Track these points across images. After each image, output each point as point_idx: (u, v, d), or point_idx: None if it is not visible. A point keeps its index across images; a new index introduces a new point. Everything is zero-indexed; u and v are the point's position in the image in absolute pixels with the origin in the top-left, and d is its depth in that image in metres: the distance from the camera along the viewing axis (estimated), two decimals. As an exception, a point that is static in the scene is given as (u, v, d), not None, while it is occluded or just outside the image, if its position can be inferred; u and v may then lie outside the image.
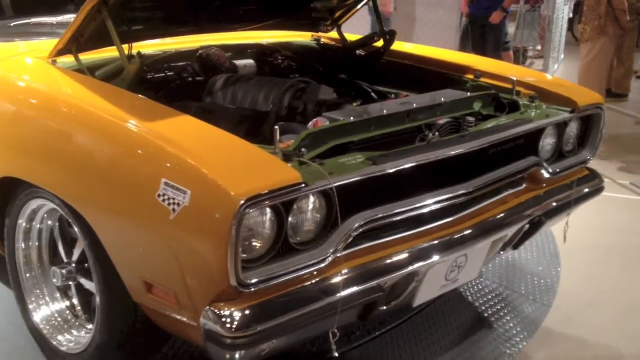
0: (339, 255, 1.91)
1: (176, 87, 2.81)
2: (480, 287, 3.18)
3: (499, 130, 2.38)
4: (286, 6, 3.06)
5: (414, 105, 2.33)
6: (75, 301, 2.45)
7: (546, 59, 8.22)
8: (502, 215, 2.37)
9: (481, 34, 7.20)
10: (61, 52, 2.44)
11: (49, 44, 2.49)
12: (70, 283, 2.41)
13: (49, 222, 2.43)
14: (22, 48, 2.83)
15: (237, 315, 1.72)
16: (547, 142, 2.64)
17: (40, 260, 2.49)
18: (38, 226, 2.44)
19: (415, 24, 8.44)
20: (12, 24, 3.10)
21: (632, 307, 3.08)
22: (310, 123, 2.26)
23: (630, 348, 2.77)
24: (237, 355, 1.79)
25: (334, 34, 3.42)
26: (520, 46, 8.55)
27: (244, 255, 1.74)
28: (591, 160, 2.80)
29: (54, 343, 2.42)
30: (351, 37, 3.37)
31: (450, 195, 2.20)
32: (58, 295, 2.49)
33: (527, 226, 2.53)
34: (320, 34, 3.48)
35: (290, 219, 1.82)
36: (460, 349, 2.70)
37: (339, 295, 1.86)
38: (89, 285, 2.28)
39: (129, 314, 2.09)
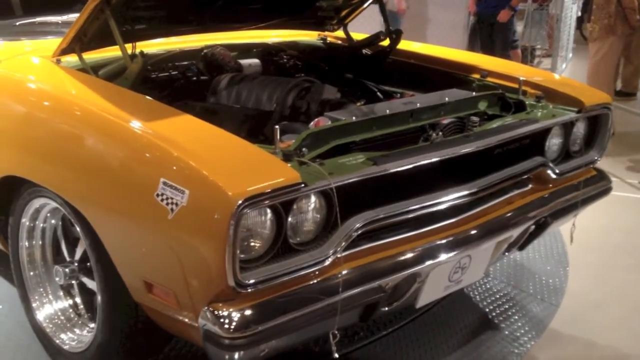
0: (339, 255, 1.90)
1: (180, 86, 2.80)
2: (488, 287, 3.17)
3: (504, 130, 2.36)
4: (291, 5, 3.05)
5: (418, 104, 2.31)
6: (78, 300, 2.46)
7: (554, 57, 8.17)
8: (506, 215, 2.35)
9: (489, 33, 7.18)
10: (65, 51, 2.45)
11: (55, 42, 2.49)
12: (73, 282, 2.41)
13: (52, 221, 2.44)
14: (28, 47, 2.84)
15: (236, 315, 1.71)
16: (554, 142, 2.62)
17: (43, 259, 2.50)
18: (41, 225, 2.45)
19: (424, 23, 8.42)
20: (17, 23, 3.11)
21: (639, 307, 3.06)
22: (312, 123, 2.25)
23: (638, 348, 2.75)
24: (236, 356, 1.78)
25: (340, 33, 3.40)
26: (528, 45, 8.50)
27: (242, 256, 1.73)
28: (599, 161, 2.77)
29: (57, 341, 2.43)
30: (358, 36, 3.35)
31: (454, 196, 2.18)
32: (61, 293, 2.50)
33: (533, 227, 2.50)
34: (326, 33, 3.46)
35: (289, 219, 1.81)
36: (467, 349, 2.69)
37: (338, 296, 1.85)
38: (91, 284, 2.28)
39: (130, 313, 2.09)
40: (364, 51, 3.26)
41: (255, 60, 3.14)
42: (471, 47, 7.51)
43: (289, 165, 1.83)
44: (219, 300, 1.74)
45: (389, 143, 2.21)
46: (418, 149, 2.12)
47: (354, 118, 2.14)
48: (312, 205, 1.87)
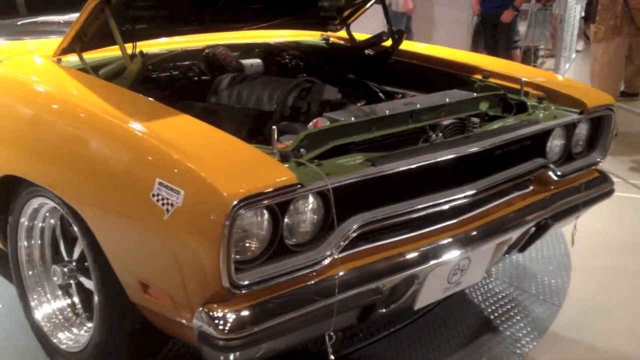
0: (336, 257, 1.89)
1: (181, 86, 2.80)
2: (490, 287, 3.16)
3: (504, 131, 2.35)
4: (293, 5, 3.04)
5: (417, 105, 2.30)
6: (76, 299, 2.46)
7: (557, 58, 8.13)
8: (506, 217, 2.33)
9: (492, 33, 7.17)
10: (65, 51, 2.45)
11: (58, 42, 2.49)
12: (71, 281, 2.41)
13: (51, 221, 2.44)
14: (31, 46, 2.84)
15: (231, 316, 1.70)
16: (555, 144, 2.60)
17: (42, 258, 2.50)
18: (40, 224, 2.45)
19: (428, 22, 8.41)
20: (19, 22, 3.11)
21: (643, 310, 3.05)
22: (311, 123, 2.24)
23: (640, 350, 2.74)
24: (231, 357, 1.77)
25: (343, 33, 3.39)
26: (532, 45, 8.46)
27: (238, 257, 1.73)
28: (601, 163, 2.75)
29: (54, 341, 2.43)
30: (361, 36, 3.34)
31: (453, 197, 2.17)
32: (59, 293, 2.50)
33: (533, 229, 2.49)
34: (329, 33, 3.45)
35: (286, 220, 1.80)
36: (469, 349, 2.69)
37: (335, 297, 1.83)
38: (89, 283, 2.28)
39: (127, 313, 2.08)
40: (366, 52, 3.25)
41: (257, 61, 3.13)
42: (474, 47, 7.50)
43: (285, 166, 1.82)
44: (214, 301, 1.73)
45: (388, 144, 2.20)
46: (417, 150, 2.11)
47: (352, 119, 2.13)
48: (309, 206, 1.86)
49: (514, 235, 2.40)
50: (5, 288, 2.92)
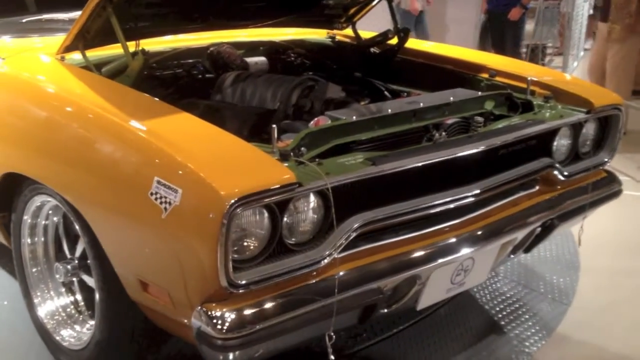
0: (336, 256, 1.88)
1: (185, 84, 2.80)
2: (498, 286, 3.15)
3: (508, 130, 2.32)
4: (298, 3, 3.03)
5: (421, 104, 2.28)
6: (79, 297, 2.46)
7: (565, 56, 8.10)
8: (511, 217, 2.31)
9: (500, 31, 7.14)
10: (68, 49, 2.45)
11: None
12: (74, 279, 2.41)
13: (54, 219, 2.44)
14: (38, 44, 2.84)
15: (229, 316, 1.70)
16: (562, 143, 2.57)
17: (46, 256, 2.51)
18: (43, 222, 2.45)
19: (438, 21, 8.37)
20: (24, 20, 3.11)
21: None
22: (312, 122, 2.23)
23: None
24: (230, 356, 1.76)
25: (349, 31, 3.37)
26: (539, 43, 8.41)
27: (236, 256, 1.72)
28: (609, 163, 2.72)
29: (57, 338, 2.43)
30: (368, 34, 3.32)
31: (456, 197, 2.15)
32: (63, 290, 2.50)
33: (539, 229, 2.46)
34: (334, 31, 3.43)
35: (285, 219, 1.79)
36: (477, 347, 2.68)
37: (334, 297, 1.82)
38: (91, 281, 2.28)
39: (128, 311, 2.08)
40: (372, 50, 3.23)
41: (262, 58, 3.13)
42: (482, 45, 7.47)
43: (285, 165, 1.81)
44: (212, 301, 1.72)
45: (391, 143, 2.19)
46: (418, 150, 2.09)
47: (354, 117, 2.12)
48: (309, 206, 1.85)
49: (519, 235, 2.38)
50: (10, 285, 2.93)
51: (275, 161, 1.80)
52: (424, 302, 2.21)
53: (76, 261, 2.35)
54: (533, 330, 2.80)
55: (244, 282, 1.70)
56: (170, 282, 1.81)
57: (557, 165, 2.50)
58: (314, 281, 1.83)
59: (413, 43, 3.21)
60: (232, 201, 1.62)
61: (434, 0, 8.19)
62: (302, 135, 1.95)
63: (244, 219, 1.72)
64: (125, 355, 2.23)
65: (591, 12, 9.28)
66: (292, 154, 1.88)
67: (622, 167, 2.96)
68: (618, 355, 2.69)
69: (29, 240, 2.48)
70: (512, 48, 6.93)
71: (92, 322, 2.34)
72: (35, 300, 2.50)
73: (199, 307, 1.72)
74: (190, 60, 2.92)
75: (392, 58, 3.15)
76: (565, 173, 2.52)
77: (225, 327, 1.68)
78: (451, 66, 3.02)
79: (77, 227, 2.15)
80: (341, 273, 1.87)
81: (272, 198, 1.70)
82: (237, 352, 1.76)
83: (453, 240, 2.13)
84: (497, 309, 2.96)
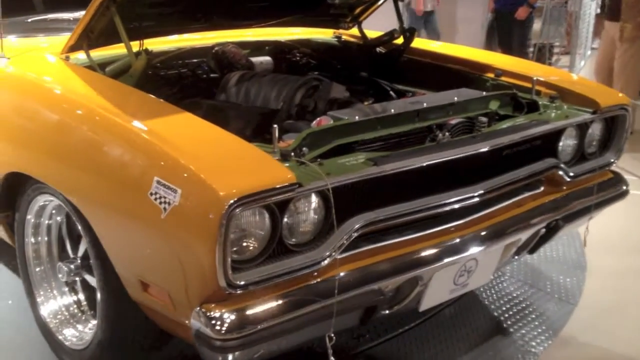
0: (337, 257, 1.87)
1: (190, 84, 2.80)
2: (505, 285, 3.15)
3: (512, 131, 2.31)
4: (302, 2, 3.02)
5: (424, 104, 2.27)
6: (82, 296, 2.46)
7: (572, 55, 8.07)
8: (514, 218, 2.30)
9: (507, 30, 7.12)
10: (73, 48, 2.45)
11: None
12: (76, 279, 2.41)
13: (58, 218, 2.44)
14: (44, 43, 2.85)
15: (228, 316, 1.69)
16: (567, 144, 2.55)
17: (49, 255, 2.51)
18: (47, 222, 2.45)
19: (446, 20, 8.35)
20: (29, 20, 3.12)
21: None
22: (314, 122, 2.22)
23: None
24: (229, 357, 1.76)
25: (356, 31, 3.36)
26: (546, 42, 8.38)
27: (236, 256, 1.71)
28: (615, 163, 2.69)
29: (60, 337, 2.44)
30: (375, 34, 3.31)
31: (459, 198, 2.14)
32: (66, 289, 2.50)
33: (543, 230, 2.44)
34: (341, 30, 3.42)
35: (285, 220, 1.79)
36: (484, 347, 2.68)
37: (334, 298, 1.81)
38: (93, 281, 2.27)
39: (129, 312, 2.08)
40: (377, 49, 3.22)
41: (267, 58, 3.12)
42: (488, 44, 7.44)
43: (286, 165, 1.80)
44: (211, 301, 1.72)
45: (394, 143, 2.18)
46: (421, 150, 2.07)
47: (356, 117, 2.11)
48: (310, 206, 1.84)
49: (523, 236, 2.36)
50: (15, 284, 2.94)
51: (275, 161, 1.80)
52: (426, 304, 2.20)
53: (79, 261, 2.35)
54: (539, 330, 2.79)
55: (242, 282, 1.69)
56: (170, 283, 1.81)
57: (562, 165, 2.48)
58: (314, 282, 1.83)
59: (419, 43, 3.19)
60: (231, 201, 1.61)
61: (443, 0, 8.18)
62: (303, 135, 1.95)
63: (244, 220, 1.71)
64: (126, 355, 2.23)
65: (598, 11, 9.23)
66: (293, 154, 1.87)
67: (629, 166, 2.94)
68: (624, 356, 2.68)
69: (32, 240, 2.48)
70: (519, 47, 6.91)
71: (95, 322, 2.34)
72: (38, 299, 2.51)
73: (198, 308, 1.71)
74: (195, 60, 2.92)
75: (398, 58, 3.14)
76: (571, 174, 2.50)
77: (224, 328, 1.68)
78: (457, 66, 3.01)
79: (79, 226, 2.15)
80: (342, 274, 1.87)
81: (272, 198, 1.69)
82: (236, 353, 1.75)
83: (456, 241, 2.12)
84: (504, 308, 2.95)
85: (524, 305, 2.98)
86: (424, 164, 2.01)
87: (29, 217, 2.43)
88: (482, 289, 3.06)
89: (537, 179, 2.44)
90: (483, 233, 2.17)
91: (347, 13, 3.28)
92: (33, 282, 2.53)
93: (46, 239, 2.49)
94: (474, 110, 2.40)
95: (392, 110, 2.20)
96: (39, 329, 2.56)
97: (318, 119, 2.21)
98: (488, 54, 3.38)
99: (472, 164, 2.17)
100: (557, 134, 2.48)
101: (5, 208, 2.52)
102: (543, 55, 8.02)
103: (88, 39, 2.42)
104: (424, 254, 2.04)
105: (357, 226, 1.90)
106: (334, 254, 1.85)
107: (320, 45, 3.34)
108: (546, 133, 2.40)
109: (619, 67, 5.70)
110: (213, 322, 1.68)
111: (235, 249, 1.72)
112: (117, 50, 2.55)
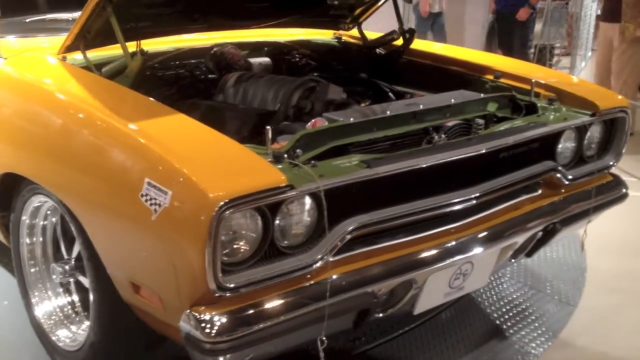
0: (330, 260, 1.85)
1: (188, 85, 2.79)
2: (505, 286, 3.14)
3: (510, 133, 2.29)
4: (302, 3, 3.01)
5: (421, 106, 2.25)
6: (76, 298, 2.46)
7: (573, 56, 8.08)
8: (510, 221, 2.28)
9: (508, 31, 7.11)
10: (69, 48, 2.45)
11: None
12: (70, 280, 2.41)
13: (53, 219, 2.44)
14: (42, 43, 2.84)
15: (218, 319, 1.68)
16: (566, 147, 2.53)
17: (44, 256, 2.50)
18: (42, 222, 2.45)
19: (451, 22, 8.33)
20: (27, 20, 3.11)
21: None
22: (309, 123, 2.21)
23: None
24: (220, 361, 1.75)
25: (356, 32, 3.34)
26: (547, 43, 8.37)
27: (226, 258, 1.70)
28: (614, 166, 2.67)
29: (53, 338, 2.43)
30: (376, 34, 3.29)
31: (454, 200, 2.12)
32: (60, 290, 2.50)
33: (540, 233, 2.42)
34: (341, 31, 3.41)
35: (277, 222, 1.77)
36: (484, 348, 2.67)
37: (325, 301, 1.80)
38: (87, 282, 2.27)
39: (121, 313, 2.07)
40: (377, 51, 3.21)
41: (266, 59, 3.11)
42: (488, 45, 7.43)
43: (278, 167, 1.79)
44: (201, 304, 1.70)
45: (390, 145, 2.16)
46: (415, 152, 2.06)
47: (351, 119, 2.09)
48: (302, 208, 1.83)
49: (520, 239, 2.34)
50: (11, 284, 2.93)
51: (267, 163, 1.78)
52: (421, 307, 2.18)
53: (73, 262, 2.34)
54: (539, 332, 2.78)
55: (232, 285, 1.68)
56: (160, 285, 1.80)
57: (560, 168, 2.46)
58: (305, 285, 1.81)
59: (419, 44, 3.18)
60: (221, 203, 1.60)
61: (449, 2, 8.16)
62: (297, 136, 1.93)
63: (234, 222, 1.70)
64: (119, 357, 2.22)
65: (599, 12, 9.22)
66: (286, 155, 1.86)
67: (628, 168, 2.91)
68: (624, 358, 2.67)
69: (27, 240, 2.48)
70: (520, 48, 6.90)
71: (88, 324, 2.34)
72: (33, 300, 2.50)
73: (188, 311, 1.70)
74: (193, 61, 2.91)
75: (398, 59, 3.13)
76: (570, 177, 2.48)
77: (214, 331, 1.67)
78: (456, 67, 2.99)
79: (72, 227, 2.15)
80: (334, 277, 1.85)
81: (263, 200, 1.68)
82: (227, 356, 1.74)
83: (451, 244, 2.10)
84: (504, 309, 2.95)
85: (523, 306, 2.97)
86: (418, 166, 1.99)
87: (24, 218, 2.43)
88: (481, 290, 3.05)
89: (535, 181, 2.42)
90: (479, 236, 2.16)
91: (347, 14, 3.26)
92: (28, 283, 2.52)
93: (41, 239, 2.48)
94: (471, 112, 2.39)
95: (388, 112, 2.19)
96: (33, 330, 2.55)
97: (313, 120, 2.20)
98: (487, 56, 3.36)
99: (469, 166, 2.15)
100: (556, 137, 2.46)
101: (1, 209, 2.52)
102: (544, 56, 8.01)
103: (85, 39, 2.41)
104: (418, 256, 2.02)
105: (350, 228, 1.88)
106: (326, 256, 1.83)
107: (320, 46, 3.33)
108: (544, 135, 2.38)
109: (618, 68, 5.69)
110: (203, 325, 1.67)
111: (226, 251, 1.71)
112: (114, 50, 2.55)
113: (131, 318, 2.05)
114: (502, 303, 2.99)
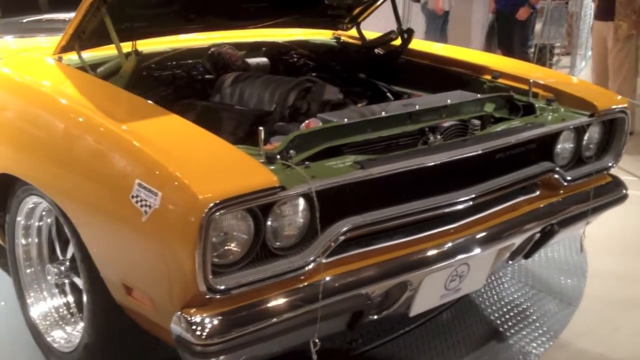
0: (323, 261, 1.84)
1: (185, 85, 2.78)
2: (506, 286, 3.13)
3: (506, 134, 2.27)
4: (299, 3, 2.99)
5: (416, 106, 2.23)
6: (71, 299, 2.45)
7: (573, 55, 8.07)
8: (507, 223, 2.26)
9: (508, 31, 7.09)
10: (65, 49, 2.44)
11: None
12: (65, 281, 2.40)
13: (48, 220, 2.43)
14: (40, 44, 2.84)
15: (208, 321, 1.67)
16: (564, 147, 2.50)
17: (40, 257, 2.50)
18: (37, 223, 2.45)
19: (455, 22, 8.31)
20: (24, 20, 3.11)
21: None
22: (303, 124, 2.19)
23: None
24: (210, 363, 1.74)
25: (355, 32, 3.33)
26: (547, 43, 8.35)
27: (217, 260, 1.69)
28: (614, 167, 2.65)
29: (48, 339, 2.42)
30: (374, 35, 3.28)
31: (449, 202, 2.11)
32: (56, 291, 2.49)
33: (538, 235, 2.40)
34: (339, 32, 3.39)
35: (269, 223, 1.76)
36: (485, 349, 2.66)
37: (318, 303, 1.79)
38: (81, 283, 2.26)
39: (115, 314, 2.05)
40: (375, 51, 3.19)
41: (264, 59, 3.11)
42: (488, 45, 7.41)
43: (271, 168, 1.78)
44: (192, 306, 1.69)
45: (385, 146, 2.15)
46: (410, 153, 2.04)
47: (345, 120, 2.08)
48: (295, 209, 1.82)
49: (517, 240, 2.32)
50: (7, 285, 2.93)
51: (258, 164, 1.77)
52: (416, 309, 2.17)
53: (68, 263, 2.34)
54: (540, 332, 2.77)
55: (223, 287, 1.67)
56: (152, 287, 1.79)
57: (558, 169, 2.44)
58: (298, 286, 1.80)
59: (417, 44, 3.16)
60: (211, 205, 1.59)
61: (456, 1, 8.14)
62: (290, 137, 1.92)
63: (225, 223, 1.69)
64: (113, 358, 2.21)
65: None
66: (279, 156, 1.84)
67: (629, 167, 2.89)
68: (627, 356, 2.66)
69: (23, 241, 2.48)
70: (520, 48, 6.88)
71: (82, 325, 2.33)
72: (29, 301, 2.50)
73: (179, 313, 1.69)
74: (191, 61, 2.90)
75: (396, 59, 3.11)
76: (568, 178, 2.46)
77: (204, 333, 1.66)
78: (455, 68, 2.97)
79: (66, 228, 2.14)
80: (327, 278, 1.84)
81: (254, 202, 1.67)
82: (218, 359, 1.73)
83: (447, 245, 2.08)
84: (504, 310, 2.94)
85: (524, 307, 2.96)
86: (413, 167, 1.98)
87: (19, 218, 2.43)
88: (482, 291, 3.04)
89: (533, 182, 2.40)
90: (475, 237, 2.14)
91: (345, 14, 3.25)
92: (23, 284, 2.52)
93: (36, 240, 2.48)
94: (468, 113, 2.37)
95: (384, 113, 2.17)
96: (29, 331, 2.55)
97: (307, 121, 2.19)
98: (486, 56, 3.34)
99: (466, 167, 2.14)
100: (554, 137, 2.44)
101: None
102: (544, 55, 7.99)
103: (79, 39, 2.41)
104: (413, 258, 2.01)
105: (343, 230, 1.87)
106: (319, 258, 1.82)
107: (318, 47, 3.32)
108: (542, 136, 2.36)
109: (615, 67, 5.68)
110: (194, 327, 1.66)
111: (217, 252, 1.70)
112: (111, 50, 2.54)
113: (125, 320, 2.04)
114: (502, 303, 2.98)
